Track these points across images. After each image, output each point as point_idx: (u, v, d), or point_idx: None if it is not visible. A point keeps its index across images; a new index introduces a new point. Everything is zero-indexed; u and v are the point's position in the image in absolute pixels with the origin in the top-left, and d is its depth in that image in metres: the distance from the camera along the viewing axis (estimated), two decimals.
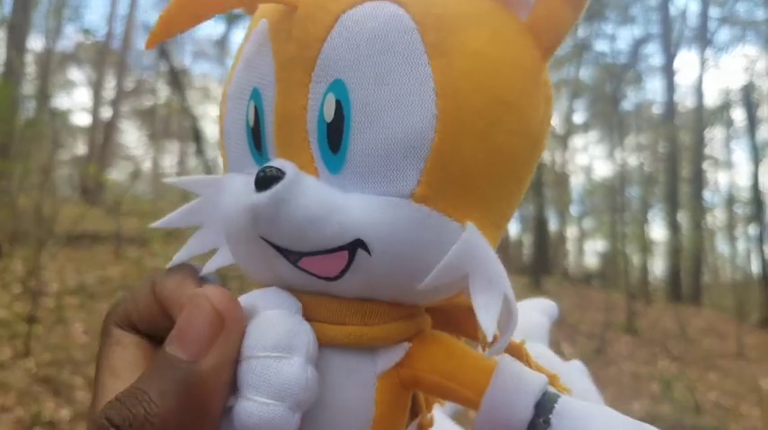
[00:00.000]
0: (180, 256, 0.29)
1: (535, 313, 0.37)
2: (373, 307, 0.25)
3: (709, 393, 4.85)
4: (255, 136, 0.26)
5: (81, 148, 12.20)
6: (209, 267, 0.28)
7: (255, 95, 0.26)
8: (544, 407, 0.23)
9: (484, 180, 0.24)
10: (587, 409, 0.23)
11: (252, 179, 0.23)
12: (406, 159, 0.22)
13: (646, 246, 9.66)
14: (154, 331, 0.28)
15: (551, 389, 0.24)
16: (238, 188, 0.24)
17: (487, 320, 0.22)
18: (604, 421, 0.23)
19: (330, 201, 0.22)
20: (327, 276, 0.24)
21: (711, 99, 16.55)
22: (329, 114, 0.23)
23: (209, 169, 4.96)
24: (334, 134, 0.23)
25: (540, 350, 0.37)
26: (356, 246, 0.22)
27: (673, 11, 11.71)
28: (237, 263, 0.28)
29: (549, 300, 0.36)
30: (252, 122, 0.26)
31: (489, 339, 0.22)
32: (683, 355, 5.95)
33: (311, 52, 0.23)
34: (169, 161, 16.81)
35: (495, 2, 0.25)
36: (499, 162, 0.24)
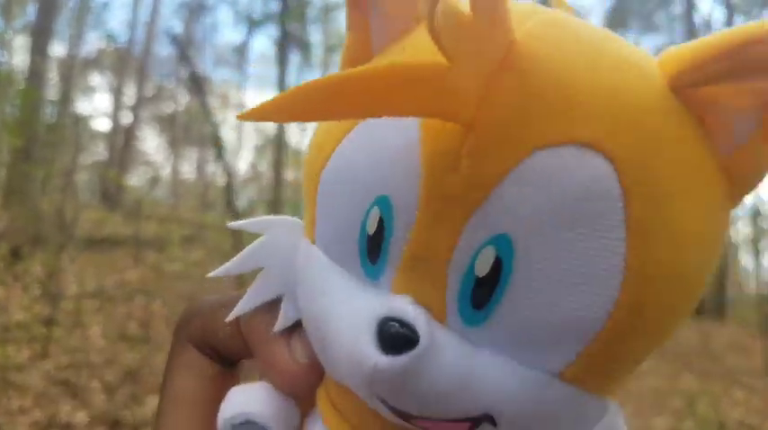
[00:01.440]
0: (245, 306, 0.25)
1: None
2: None
3: (734, 411, 4.75)
4: (371, 244, 0.21)
5: (101, 153, 12.40)
6: (278, 327, 0.25)
7: (384, 204, 0.20)
8: None
9: (640, 358, 0.21)
10: None
11: (372, 323, 0.19)
12: (566, 340, 0.19)
13: None
14: (231, 356, 0.28)
15: None
16: (355, 309, 0.21)
17: None
18: None
19: (466, 375, 0.19)
20: None
21: None
22: (482, 269, 0.19)
23: (228, 175, 4.99)
24: (483, 290, 0.19)
25: None
26: (483, 418, 0.20)
27: (697, 20, 11.66)
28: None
29: None
30: (371, 231, 0.21)
31: None
32: (707, 371, 5.84)
33: (480, 194, 0.18)
34: (188, 167, 17.07)
35: (697, 137, 0.19)
36: (660, 338, 0.21)
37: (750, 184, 0.21)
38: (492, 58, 0.17)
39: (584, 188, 0.17)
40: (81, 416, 2.81)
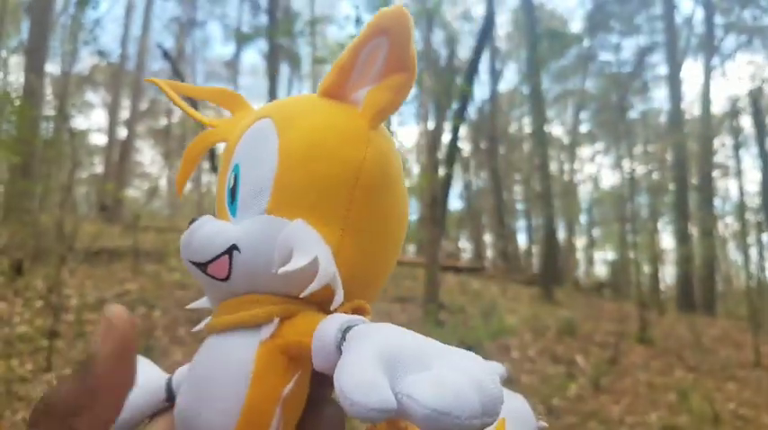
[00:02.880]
0: (199, 304, 0.42)
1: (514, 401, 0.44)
2: (255, 298, 0.35)
3: (728, 403, 4.76)
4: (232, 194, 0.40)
5: (98, 167, 12.35)
6: (198, 304, 0.43)
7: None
8: (348, 329, 0.29)
9: (308, 192, 0.36)
10: (381, 324, 0.29)
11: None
12: (262, 191, 0.36)
13: (656, 256, 9.58)
14: None
15: (365, 322, 0.31)
16: None
17: (293, 264, 0.32)
18: (386, 329, 0.28)
19: (219, 227, 0.36)
20: (222, 277, 0.35)
21: (719, 107, 16.45)
22: (231, 183, 0.38)
23: None
24: (233, 193, 0.38)
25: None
26: (232, 249, 0.35)
27: (678, 19, 11.69)
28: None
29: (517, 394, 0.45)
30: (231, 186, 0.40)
31: (285, 269, 0.32)
32: (699, 365, 5.86)
33: (230, 155, 0.40)
34: None
35: (334, 102, 0.38)
36: (319, 181, 0.36)
37: (380, 114, 0.37)
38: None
39: (258, 128, 0.39)
40: None
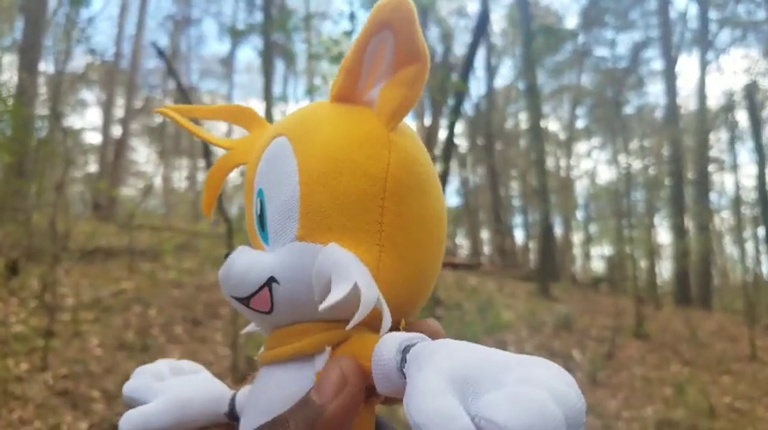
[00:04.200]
0: (247, 330, 0.43)
1: None
2: (303, 327, 0.35)
3: (723, 397, 4.79)
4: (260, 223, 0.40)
5: (93, 166, 12.35)
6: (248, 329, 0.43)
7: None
8: (407, 349, 0.28)
9: (336, 213, 0.34)
10: (441, 341, 0.27)
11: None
12: (290, 217, 0.35)
13: (652, 250, 9.62)
14: None
15: (423, 340, 0.29)
16: None
17: (333, 296, 0.30)
18: (447, 345, 0.27)
19: (253, 259, 0.35)
20: (266, 311, 0.35)
21: (714, 101, 16.49)
22: (258, 210, 0.38)
23: None
24: (261, 220, 0.37)
25: None
26: (271, 282, 0.34)
27: (672, 14, 11.74)
28: None
29: None
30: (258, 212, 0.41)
31: (326, 304, 0.30)
32: (695, 359, 5.89)
33: (253, 178, 0.39)
34: (179, 176, 17.02)
35: (347, 108, 0.37)
36: (344, 199, 0.34)
37: (396, 113, 0.35)
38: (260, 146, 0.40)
39: (276, 149, 0.37)
40: (82, 426, 2.83)
